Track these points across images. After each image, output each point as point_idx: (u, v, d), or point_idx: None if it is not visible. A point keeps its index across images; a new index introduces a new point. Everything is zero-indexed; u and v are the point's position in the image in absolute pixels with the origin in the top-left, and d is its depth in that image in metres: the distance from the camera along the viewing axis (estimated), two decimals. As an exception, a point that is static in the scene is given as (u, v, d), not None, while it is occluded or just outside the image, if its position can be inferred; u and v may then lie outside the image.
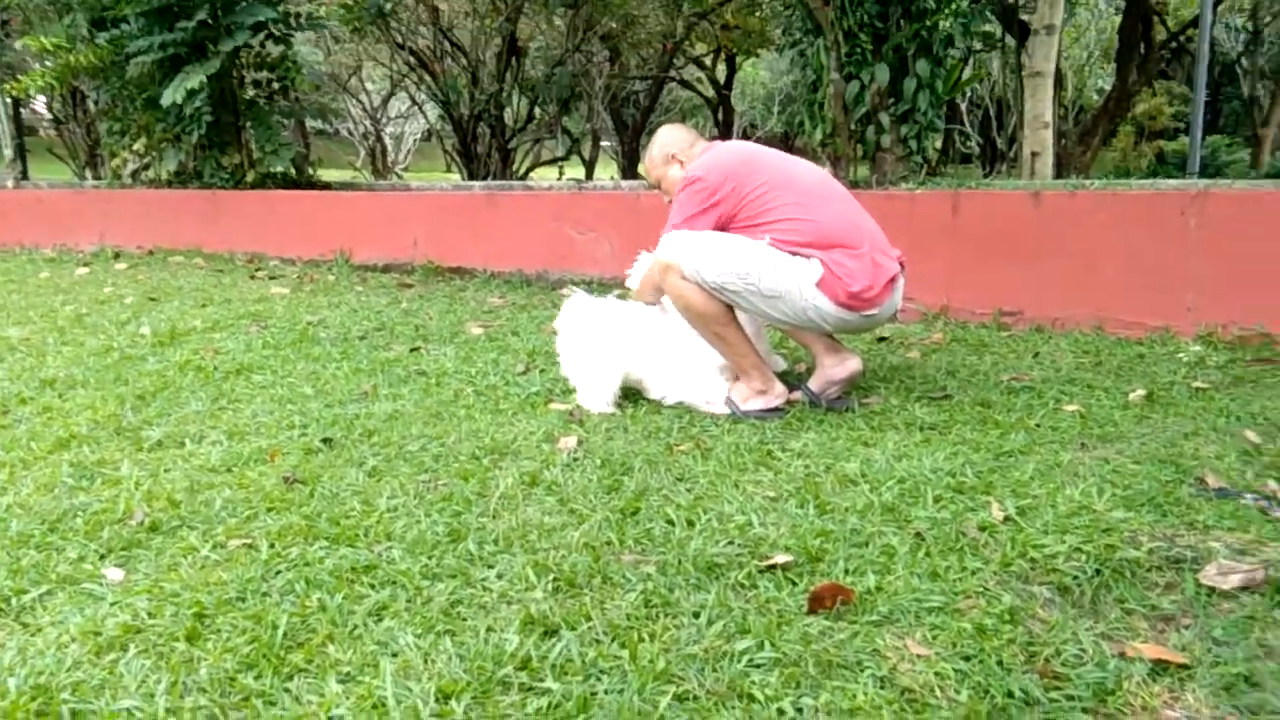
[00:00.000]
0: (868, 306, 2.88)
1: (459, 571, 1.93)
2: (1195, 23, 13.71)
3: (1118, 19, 14.72)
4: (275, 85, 7.77)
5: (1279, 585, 1.79)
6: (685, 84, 17.76)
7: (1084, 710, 1.49)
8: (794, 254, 2.90)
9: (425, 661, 1.60)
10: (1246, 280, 3.78)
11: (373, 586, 1.87)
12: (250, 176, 7.51)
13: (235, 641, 1.67)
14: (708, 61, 17.14)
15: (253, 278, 6.34)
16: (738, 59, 16.88)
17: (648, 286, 3.17)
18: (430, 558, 1.99)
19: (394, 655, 1.62)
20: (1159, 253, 3.97)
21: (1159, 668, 1.59)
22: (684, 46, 14.27)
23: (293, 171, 7.82)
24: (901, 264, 3.01)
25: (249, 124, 7.52)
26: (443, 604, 1.79)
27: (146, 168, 7.89)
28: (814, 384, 3.10)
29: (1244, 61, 20.99)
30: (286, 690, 1.53)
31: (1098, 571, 1.88)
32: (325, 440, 2.77)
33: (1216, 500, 2.20)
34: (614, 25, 11.86)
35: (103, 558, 2.04)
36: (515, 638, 1.65)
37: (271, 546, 2.04)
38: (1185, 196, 3.91)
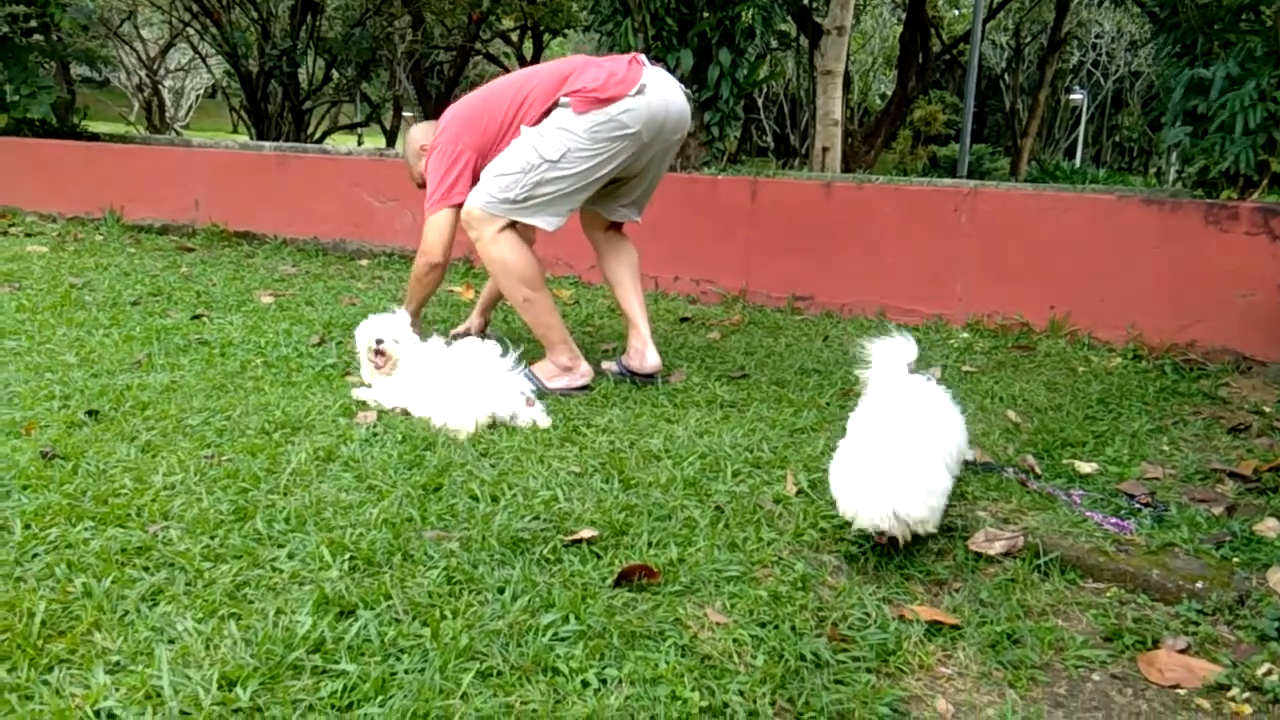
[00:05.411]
0: (628, 86, 2.89)
1: (245, 552, 1.81)
2: (966, 37, 14.85)
3: (899, 28, 15.71)
4: (33, 21, 6.99)
5: (1036, 550, 1.97)
6: (491, 58, 17.47)
7: (868, 670, 1.58)
8: (545, 117, 2.95)
9: (207, 647, 1.49)
10: (1007, 273, 4.13)
11: (146, 569, 1.72)
12: (1, 121, 6.74)
13: (-18, 632, 1.49)
14: (515, 37, 16.93)
15: (4, 234, 5.71)
16: (545, 37, 16.76)
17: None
18: (213, 538, 1.85)
19: (171, 642, 1.50)
20: (935, 245, 4.26)
21: (934, 628, 1.71)
22: (490, 19, 14.01)
23: (53, 119, 7.08)
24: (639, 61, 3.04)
25: (0, 62, 6.74)
26: (227, 586, 1.68)
27: None
28: (629, 361, 3.14)
29: (1006, 77, 22.97)
30: (45, 683, 1.39)
31: (881, 540, 2.00)
32: (91, 413, 2.53)
33: (983, 473, 2.39)
34: (417, -10, 11.47)
35: None
36: (308, 619, 1.57)
37: (27, 528, 1.84)
38: (959, 194, 4.21)
